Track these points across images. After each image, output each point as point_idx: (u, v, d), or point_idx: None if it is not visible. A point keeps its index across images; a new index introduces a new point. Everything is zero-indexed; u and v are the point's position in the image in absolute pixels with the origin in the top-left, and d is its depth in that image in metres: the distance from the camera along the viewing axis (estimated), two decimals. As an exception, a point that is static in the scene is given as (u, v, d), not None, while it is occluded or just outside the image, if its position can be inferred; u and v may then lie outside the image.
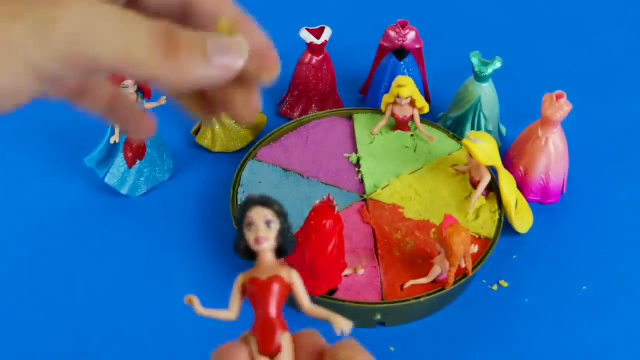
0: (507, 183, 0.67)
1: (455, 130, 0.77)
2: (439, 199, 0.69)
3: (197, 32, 0.29)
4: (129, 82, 0.66)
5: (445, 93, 0.82)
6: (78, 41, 0.25)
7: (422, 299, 0.60)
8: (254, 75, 0.31)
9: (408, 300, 0.60)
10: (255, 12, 0.97)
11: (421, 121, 0.74)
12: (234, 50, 0.30)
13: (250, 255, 0.35)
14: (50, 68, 0.25)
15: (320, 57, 0.77)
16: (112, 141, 0.69)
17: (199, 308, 0.37)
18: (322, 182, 0.71)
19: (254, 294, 0.35)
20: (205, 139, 0.76)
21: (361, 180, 0.71)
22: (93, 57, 0.26)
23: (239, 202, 0.67)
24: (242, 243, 0.35)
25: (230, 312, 0.37)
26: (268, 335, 0.35)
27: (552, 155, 0.70)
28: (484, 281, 0.66)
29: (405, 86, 0.70)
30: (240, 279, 0.36)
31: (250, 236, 0.35)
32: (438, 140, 0.75)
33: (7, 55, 0.25)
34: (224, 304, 0.66)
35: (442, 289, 0.61)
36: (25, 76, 0.25)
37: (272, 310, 0.35)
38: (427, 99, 0.81)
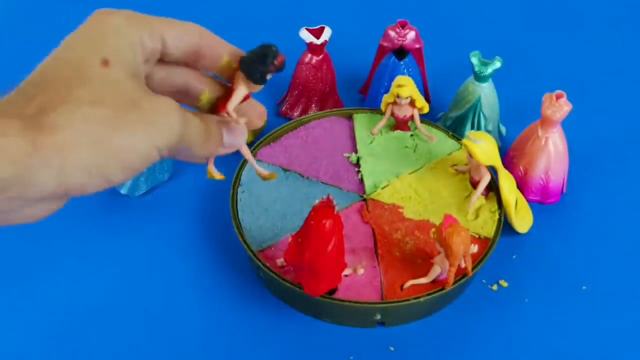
0: (507, 183, 0.67)
1: (455, 130, 0.77)
2: (439, 199, 0.69)
3: (218, 124, 0.43)
4: None
5: (445, 93, 0.82)
6: (182, 140, 0.39)
7: (422, 299, 0.60)
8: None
9: (408, 300, 0.60)
10: (255, 12, 0.98)
11: (421, 121, 0.74)
12: (239, 135, 0.45)
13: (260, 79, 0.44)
14: (163, 149, 0.38)
15: (320, 57, 0.78)
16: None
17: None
18: (322, 182, 0.71)
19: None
20: (205, 139, 0.76)
21: (361, 180, 0.71)
22: (181, 145, 0.40)
23: (239, 202, 0.67)
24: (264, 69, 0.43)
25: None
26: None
27: (552, 155, 0.70)
28: (484, 281, 0.66)
29: (405, 86, 0.70)
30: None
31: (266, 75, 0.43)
32: (438, 140, 0.75)
33: (148, 138, 0.38)
34: (224, 303, 0.66)
35: (442, 289, 0.61)
36: (150, 151, 0.38)
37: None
38: (427, 99, 0.81)
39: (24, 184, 0.34)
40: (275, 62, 0.42)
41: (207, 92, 0.45)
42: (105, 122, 0.36)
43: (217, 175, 0.56)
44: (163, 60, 0.43)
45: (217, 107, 0.46)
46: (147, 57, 0.41)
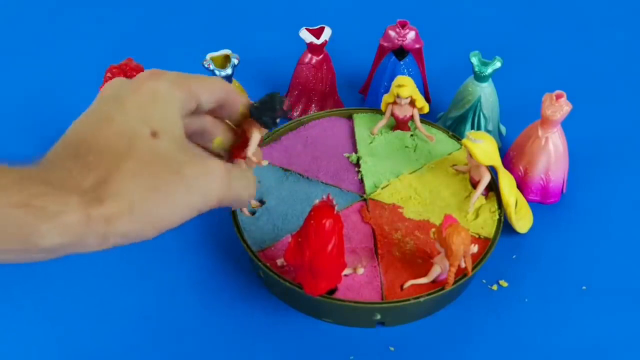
0: (507, 183, 0.67)
1: (455, 130, 0.77)
2: (439, 199, 0.69)
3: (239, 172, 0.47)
4: None
5: (445, 93, 0.82)
6: (226, 197, 0.45)
7: (422, 299, 0.60)
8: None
9: (408, 300, 0.60)
10: (255, 12, 0.98)
11: (421, 121, 0.74)
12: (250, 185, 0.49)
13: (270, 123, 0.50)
14: (204, 210, 0.43)
15: (320, 57, 0.78)
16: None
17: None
18: (322, 182, 0.71)
19: None
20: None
21: (361, 180, 0.71)
22: (226, 201, 0.45)
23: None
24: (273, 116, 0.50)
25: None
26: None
27: (552, 155, 0.70)
28: (484, 281, 0.66)
29: (405, 86, 0.70)
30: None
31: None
32: (438, 140, 0.75)
33: (187, 204, 0.43)
34: (224, 303, 0.66)
35: (442, 289, 0.61)
36: (190, 214, 0.43)
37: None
38: (427, 99, 0.81)
39: (72, 248, 0.39)
40: (283, 107, 0.49)
41: (221, 138, 0.51)
42: (148, 193, 0.40)
43: (245, 208, 0.67)
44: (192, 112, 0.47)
45: (232, 154, 0.52)
46: (185, 115, 0.46)
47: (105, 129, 0.42)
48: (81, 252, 0.40)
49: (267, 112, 0.49)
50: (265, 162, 0.53)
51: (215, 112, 0.50)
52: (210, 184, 0.43)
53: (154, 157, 0.41)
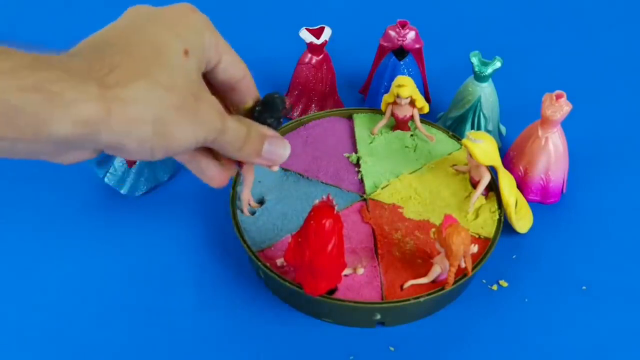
0: (507, 183, 0.67)
1: (455, 130, 0.77)
2: (439, 199, 0.69)
3: (261, 134, 0.47)
4: None
5: (445, 93, 0.82)
6: (217, 140, 0.43)
7: (422, 299, 0.60)
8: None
9: (408, 300, 0.60)
10: (255, 12, 0.98)
11: (421, 121, 0.74)
12: (281, 148, 0.48)
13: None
14: (199, 144, 0.42)
15: (320, 57, 0.78)
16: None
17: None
18: (322, 182, 0.71)
19: None
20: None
21: (361, 180, 0.71)
22: (216, 144, 0.44)
23: (239, 202, 0.67)
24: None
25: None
26: None
27: (552, 155, 0.70)
28: (484, 281, 0.66)
29: (405, 86, 0.70)
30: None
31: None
32: (438, 140, 0.75)
33: (195, 132, 0.41)
34: (224, 303, 0.66)
35: (442, 289, 0.61)
36: (192, 143, 0.41)
37: None
38: (427, 99, 0.81)
39: (87, 141, 0.37)
40: (285, 105, 0.49)
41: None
42: (171, 109, 0.39)
43: (245, 208, 0.66)
44: (204, 75, 0.45)
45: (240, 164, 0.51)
46: (205, 63, 0.44)
47: (135, 35, 0.40)
48: (87, 152, 0.38)
49: (271, 112, 0.49)
50: (275, 168, 0.50)
51: (224, 94, 0.48)
52: (213, 118, 0.42)
53: (183, 76, 0.40)
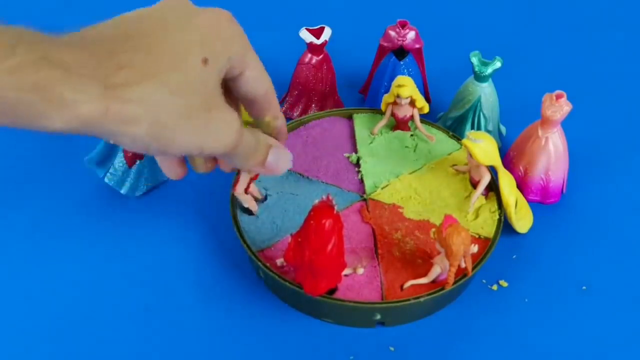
0: (507, 183, 0.67)
1: (455, 130, 0.77)
2: (439, 199, 0.69)
3: (267, 143, 0.48)
4: None
5: (445, 93, 0.82)
6: (228, 154, 0.44)
7: (422, 299, 0.60)
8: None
9: (408, 300, 0.60)
10: (255, 12, 0.98)
11: (421, 121, 0.74)
12: (283, 162, 0.49)
13: None
14: (206, 155, 0.44)
15: (320, 57, 0.78)
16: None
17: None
18: (322, 182, 0.71)
19: None
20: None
21: (361, 180, 0.71)
22: (226, 157, 0.46)
23: (238, 202, 0.67)
24: None
25: None
26: None
27: (552, 155, 0.70)
28: (484, 281, 0.66)
29: (405, 86, 0.70)
30: None
31: None
32: (438, 140, 0.75)
33: (200, 142, 0.41)
34: (224, 303, 0.66)
35: (442, 289, 0.61)
36: (195, 151, 0.42)
37: None
38: (427, 99, 0.81)
39: (81, 133, 0.37)
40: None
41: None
42: (173, 114, 0.38)
43: (251, 201, 0.66)
44: (227, 83, 0.45)
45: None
46: (225, 73, 0.44)
47: (159, 32, 0.39)
48: (81, 134, 0.38)
49: None
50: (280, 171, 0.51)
51: (245, 103, 0.48)
52: (226, 136, 0.42)
53: (199, 83, 0.39)
